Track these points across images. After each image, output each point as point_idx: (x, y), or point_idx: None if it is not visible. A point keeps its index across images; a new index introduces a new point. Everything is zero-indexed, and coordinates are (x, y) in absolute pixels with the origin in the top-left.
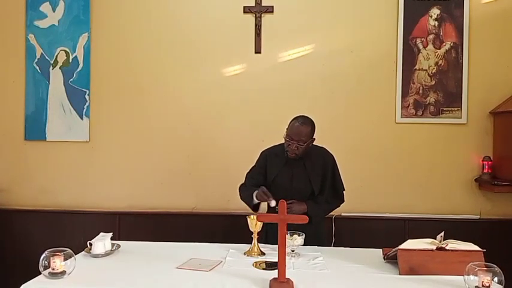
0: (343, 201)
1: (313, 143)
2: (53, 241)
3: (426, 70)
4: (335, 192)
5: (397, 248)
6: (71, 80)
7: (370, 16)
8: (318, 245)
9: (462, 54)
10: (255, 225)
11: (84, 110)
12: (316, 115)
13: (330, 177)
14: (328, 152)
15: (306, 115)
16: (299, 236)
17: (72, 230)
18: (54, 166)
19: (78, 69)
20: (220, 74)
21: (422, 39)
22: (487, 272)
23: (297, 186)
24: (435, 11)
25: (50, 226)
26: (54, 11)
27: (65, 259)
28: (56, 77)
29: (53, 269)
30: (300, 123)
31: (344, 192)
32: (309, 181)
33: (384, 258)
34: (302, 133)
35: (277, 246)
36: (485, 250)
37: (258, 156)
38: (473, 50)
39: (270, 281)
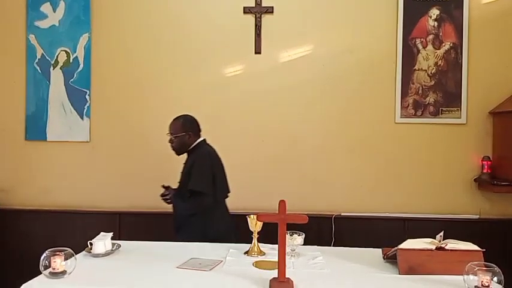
0: (202, 204)
1: (205, 143)
2: (53, 241)
3: (426, 70)
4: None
5: (396, 248)
6: (72, 80)
7: (370, 16)
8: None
9: (462, 55)
10: (255, 225)
11: (85, 110)
12: (316, 115)
13: (188, 175)
14: (201, 150)
15: (188, 114)
16: (299, 235)
17: (73, 229)
18: (55, 166)
19: (79, 70)
20: (221, 74)
21: (422, 39)
22: (487, 271)
23: (180, 180)
24: (435, 11)
25: (50, 226)
26: (54, 12)
27: (66, 259)
28: (57, 77)
29: (54, 269)
30: (174, 118)
31: (201, 194)
32: (187, 176)
33: (384, 258)
34: (172, 126)
35: (277, 245)
36: (484, 250)
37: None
38: (473, 50)
39: (270, 280)
